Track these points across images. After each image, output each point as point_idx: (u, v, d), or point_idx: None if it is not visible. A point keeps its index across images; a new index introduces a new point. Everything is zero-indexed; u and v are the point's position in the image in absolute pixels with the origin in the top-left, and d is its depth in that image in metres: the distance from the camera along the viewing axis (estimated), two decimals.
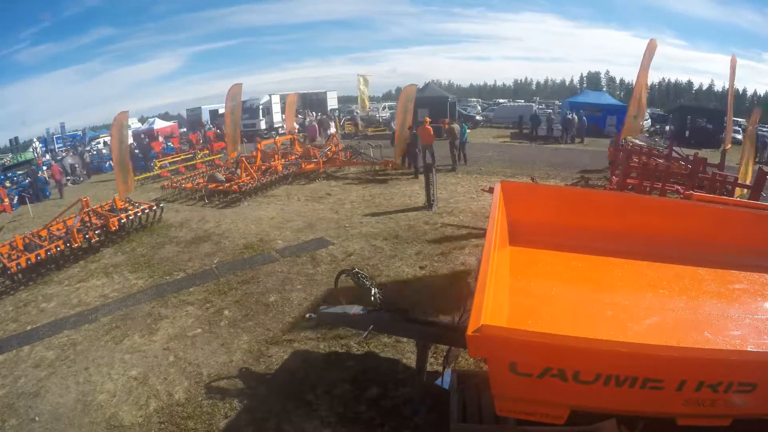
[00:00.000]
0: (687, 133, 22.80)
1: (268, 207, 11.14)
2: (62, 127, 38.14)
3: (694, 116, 24.15)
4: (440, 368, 4.04)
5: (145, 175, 16.54)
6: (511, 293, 3.30)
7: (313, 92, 37.79)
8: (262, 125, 29.07)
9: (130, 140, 18.22)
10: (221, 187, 12.36)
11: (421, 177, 11.96)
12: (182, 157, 19.00)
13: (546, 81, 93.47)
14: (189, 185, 13.18)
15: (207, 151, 20.17)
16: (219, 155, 18.90)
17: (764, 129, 28.24)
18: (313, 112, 30.21)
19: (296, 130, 20.88)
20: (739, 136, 19.77)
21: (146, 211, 9.72)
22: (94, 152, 24.30)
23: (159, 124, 31.67)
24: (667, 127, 25.57)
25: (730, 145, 11.21)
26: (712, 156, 11.66)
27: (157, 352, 5.09)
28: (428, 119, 14.99)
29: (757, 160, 19.15)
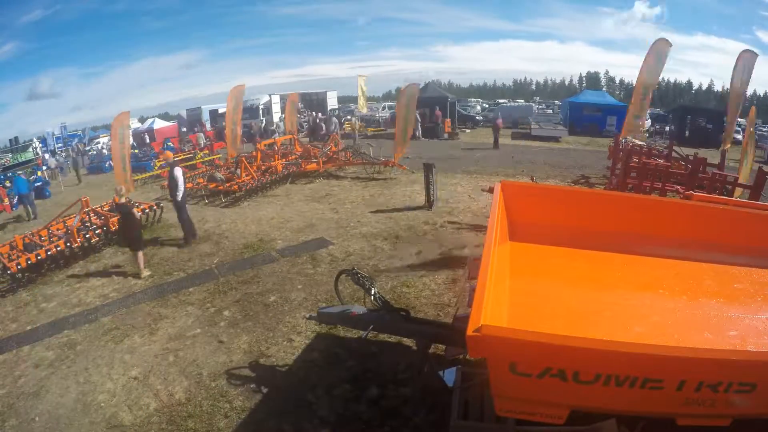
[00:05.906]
0: (687, 133, 22.83)
1: (268, 207, 11.14)
2: (63, 127, 38.11)
3: (694, 116, 24.20)
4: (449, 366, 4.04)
5: (146, 175, 16.53)
6: (511, 293, 3.30)
7: (313, 92, 37.86)
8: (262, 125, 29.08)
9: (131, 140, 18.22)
10: (221, 187, 12.35)
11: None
12: (182, 157, 18.98)
13: (545, 81, 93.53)
14: (189, 185, 13.17)
15: (207, 151, 20.15)
16: (219, 155, 18.89)
17: (764, 129, 28.24)
18: (314, 112, 30.23)
19: (297, 130, 20.95)
20: (739, 137, 19.77)
21: (146, 211, 9.71)
22: (94, 152, 24.31)
23: (159, 124, 31.69)
24: (667, 128, 25.60)
25: (729, 145, 11.14)
26: (712, 156, 11.65)
27: (157, 352, 5.08)
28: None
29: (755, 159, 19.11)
